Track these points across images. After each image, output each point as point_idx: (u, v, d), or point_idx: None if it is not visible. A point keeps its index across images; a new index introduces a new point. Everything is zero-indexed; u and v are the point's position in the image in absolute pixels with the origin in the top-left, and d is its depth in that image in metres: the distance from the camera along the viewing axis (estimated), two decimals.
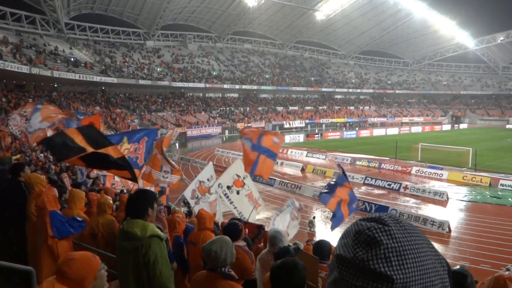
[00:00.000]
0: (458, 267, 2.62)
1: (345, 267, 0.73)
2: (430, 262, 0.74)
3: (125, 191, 12.15)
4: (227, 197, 9.56)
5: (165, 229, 5.43)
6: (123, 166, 5.66)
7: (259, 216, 9.73)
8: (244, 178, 9.71)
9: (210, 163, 11.87)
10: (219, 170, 26.78)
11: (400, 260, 0.70)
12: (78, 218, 4.42)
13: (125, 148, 9.21)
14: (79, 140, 5.64)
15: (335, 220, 8.73)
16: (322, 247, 4.18)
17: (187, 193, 10.52)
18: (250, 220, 8.79)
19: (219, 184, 9.61)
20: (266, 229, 6.65)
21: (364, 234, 0.74)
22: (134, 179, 6.33)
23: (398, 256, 0.70)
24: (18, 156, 15.56)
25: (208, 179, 10.69)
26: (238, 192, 9.60)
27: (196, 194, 10.44)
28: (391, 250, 0.71)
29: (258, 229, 5.92)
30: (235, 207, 9.61)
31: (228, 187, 9.54)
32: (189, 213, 10.16)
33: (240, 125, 53.76)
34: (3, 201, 4.61)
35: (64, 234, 4.18)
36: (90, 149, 5.58)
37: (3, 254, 4.30)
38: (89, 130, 6.31)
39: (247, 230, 7.23)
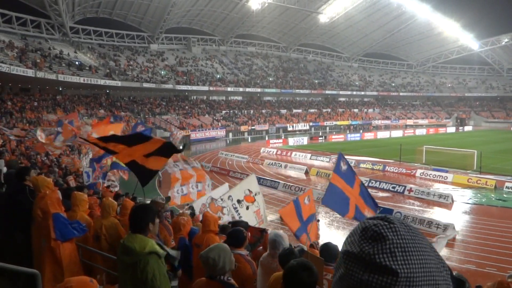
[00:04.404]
0: (454, 273, 2.60)
1: (351, 262, 0.75)
2: (433, 263, 0.76)
3: (115, 188, 12.27)
4: (236, 210, 9.47)
5: (171, 236, 5.43)
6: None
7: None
8: (256, 195, 9.60)
9: (226, 184, 11.65)
10: (223, 173, 26.87)
11: (405, 256, 0.72)
12: (82, 223, 4.44)
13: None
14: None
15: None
16: (329, 250, 4.18)
17: (196, 206, 10.45)
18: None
19: (229, 196, 9.51)
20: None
21: (370, 230, 0.76)
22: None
23: (403, 252, 0.72)
24: (20, 160, 15.66)
25: (221, 199, 10.66)
26: (247, 207, 9.50)
27: (207, 209, 10.45)
28: (396, 246, 0.73)
29: (260, 233, 5.90)
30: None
31: (239, 201, 9.45)
32: (192, 215, 10.17)
33: (244, 128, 53.78)
34: (8, 205, 4.63)
35: (67, 236, 4.19)
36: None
37: (9, 257, 4.32)
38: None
39: (249, 234, 7.21)
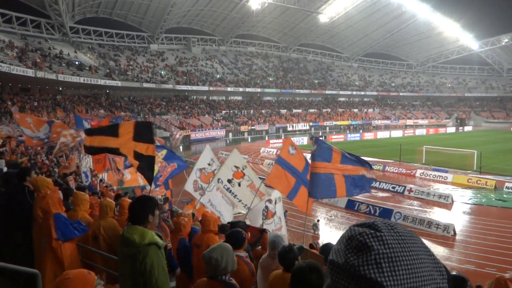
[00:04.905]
0: (455, 272, 2.60)
1: (337, 272, 0.72)
2: (425, 270, 0.72)
3: (114, 188, 12.25)
4: (229, 191, 9.15)
5: (167, 237, 5.43)
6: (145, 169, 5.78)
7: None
8: (243, 169, 9.22)
9: (207, 146, 11.18)
10: None
11: (392, 267, 0.68)
12: (82, 223, 4.43)
13: (158, 161, 9.24)
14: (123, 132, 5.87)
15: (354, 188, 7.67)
16: (330, 250, 4.16)
17: (188, 186, 9.96)
18: (253, 207, 8.51)
19: (219, 179, 9.13)
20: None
21: (355, 240, 0.72)
22: (149, 182, 6.33)
23: (389, 263, 0.69)
24: (23, 159, 15.64)
25: (209, 164, 10.14)
26: (239, 184, 9.14)
27: (199, 184, 9.90)
28: (382, 256, 0.69)
29: (260, 233, 5.89)
30: (240, 200, 9.20)
31: (229, 181, 9.11)
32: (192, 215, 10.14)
33: (244, 128, 53.78)
34: (8, 205, 4.63)
35: (68, 236, 4.19)
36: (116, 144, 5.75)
37: (9, 257, 4.32)
38: (144, 126, 6.40)
39: (249, 233, 7.19)
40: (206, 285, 2.84)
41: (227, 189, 9.17)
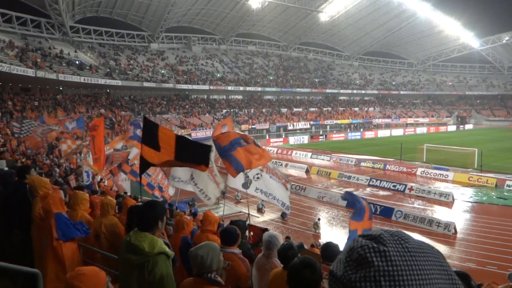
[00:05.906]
0: (455, 269, 2.61)
1: (335, 284, 0.69)
2: None
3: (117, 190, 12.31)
4: (192, 179, 8.99)
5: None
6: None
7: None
8: None
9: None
10: (223, 172, 26.83)
11: (392, 286, 0.63)
12: (85, 225, 4.45)
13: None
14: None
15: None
16: (330, 249, 4.16)
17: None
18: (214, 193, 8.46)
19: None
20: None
21: (356, 253, 0.68)
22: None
23: (390, 281, 0.63)
24: (24, 160, 15.68)
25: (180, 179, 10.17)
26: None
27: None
28: (383, 274, 0.64)
29: (262, 232, 5.87)
30: (200, 189, 9.04)
31: None
32: (193, 215, 10.17)
33: (244, 127, 53.77)
34: (8, 204, 4.63)
35: (69, 236, 4.19)
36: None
37: (8, 256, 4.33)
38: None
39: (252, 233, 7.18)
40: (192, 283, 2.85)
41: (192, 178, 8.97)
